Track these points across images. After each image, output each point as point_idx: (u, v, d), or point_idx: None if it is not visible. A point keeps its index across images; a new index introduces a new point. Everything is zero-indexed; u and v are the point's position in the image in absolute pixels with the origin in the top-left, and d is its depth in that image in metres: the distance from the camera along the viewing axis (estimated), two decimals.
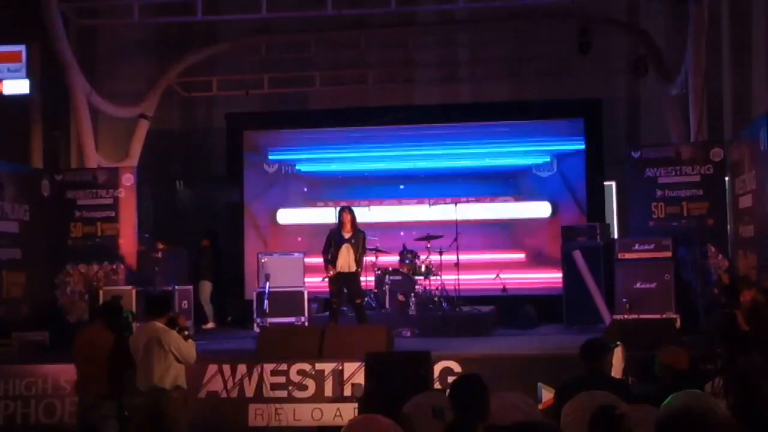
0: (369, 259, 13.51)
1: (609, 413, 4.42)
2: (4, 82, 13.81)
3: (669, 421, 3.06)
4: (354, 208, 12.32)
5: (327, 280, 11.99)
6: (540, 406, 8.25)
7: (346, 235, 11.76)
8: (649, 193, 12.90)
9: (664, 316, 11.40)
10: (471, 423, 4.82)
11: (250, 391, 10.21)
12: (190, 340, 7.72)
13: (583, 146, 15.44)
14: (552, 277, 14.74)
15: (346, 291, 11.87)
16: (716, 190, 12.71)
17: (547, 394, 9.13)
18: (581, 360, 6.71)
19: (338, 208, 12.50)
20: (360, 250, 11.83)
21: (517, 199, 15.66)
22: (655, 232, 12.60)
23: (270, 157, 16.33)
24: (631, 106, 15.94)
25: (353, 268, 11.75)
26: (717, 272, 12.17)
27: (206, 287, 14.84)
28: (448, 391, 5.31)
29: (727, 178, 12.72)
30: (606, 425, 4.37)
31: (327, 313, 13.86)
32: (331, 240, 11.83)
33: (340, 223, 11.87)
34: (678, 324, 11.14)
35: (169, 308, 8.00)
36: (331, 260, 11.74)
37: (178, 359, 7.57)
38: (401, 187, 15.82)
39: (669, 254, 12.13)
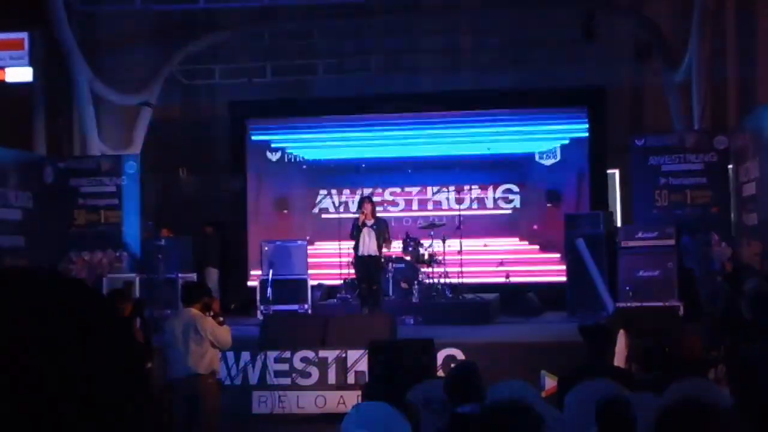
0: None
1: (617, 404, 4.44)
2: (7, 69, 13.81)
3: (671, 408, 3.06)
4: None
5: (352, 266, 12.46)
6: (543, 394, 8.28)
7: (367, 222, 12.13)
8: (652, 181, 12.88)
9: (667, 304, 11.40)
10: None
11: (254, 379, 10.24)
12: (225, 326, 7.84)
13: (586, 134, 15.41)
14: (555, 266, 14.74)
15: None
16: (720, 178, 12.69)
17: (550, 382, 9.17)
18: (584, 339, 6.71)
19: (358, 198, 12.89)
20: (382, 237, 12.17)
21: (520, 187, 15.64)
22: (659, 220, 12.58)
23: (273, 145, 16.32)
24: (634, 94, 15.90)
25: (374, 252, 12.08)
26: (720, 260, 12.16)
27: (213, 274, 14.82)
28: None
29: (730, 166, 12.70)
30: (614, 416, 4.40)
31: (330, 301, 13.93)
32: (354, 227, 12.25)
33: (361, 212, 12.22)
34: (681, 312, 11.15)
35: (204, 295, 8.06)
36: (354, 246, 12.22)
37: (214, 344, 7.66)
38: (409, 171, 15.80)
39: (672, 242, 12.12)
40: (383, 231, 12.22)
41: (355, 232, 12.23)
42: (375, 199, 15.61)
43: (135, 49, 16.18)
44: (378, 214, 12.52)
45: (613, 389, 5.57)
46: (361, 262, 12.13)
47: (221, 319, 7.94)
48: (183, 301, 8.13)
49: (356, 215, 12.63)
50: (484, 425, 3.30)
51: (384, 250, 12.40)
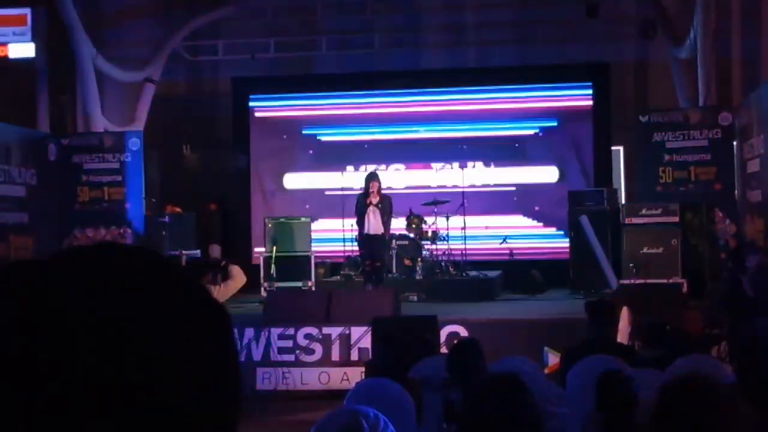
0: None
1: (615, 377, 4.44)
2: (10, 45, 13.78)
3: (674, 385, 3.06)
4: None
5: (357, 244, 12.36)
6: (546, 370, 8.30)
7: (373, 200, 11.97)
8: (656, 158, 12.85)
9: (670, 281, 11.41)
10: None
11: (257, 355, 10.27)
12: (232, 270, 7.93)
13: (590, 111, 15.36)
14: (559, 242, 14.74)
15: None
16: (724, 155, 12.66)
17: (553, 359, 9.18)
18: (589, 316, 6.73)
19: (366, 175, 12.68)
20: (386, 215, 12.05)
21: (524, 164, 15.61)
22: (663, 197, 12.56)
23: (276, 122, 16.29)
24: (639, 70, 15.83)
25: (380, 231, 11.98)
26: (724, 237, 12.14)
27: (216, 250, 14.83)
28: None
29: (735, 143, 12.66)
30: (612, 389, 4.39)
31: (333, 278, 13.95)
32: (359, 205, 12.11)
33: (367, 188, 12.03)
34: (685, 289, 11.16)
35: (206, 274, 8.06)
36: (358, 223, 12.10)
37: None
38: (412, 148, 15.76)
39: (676, 219, 12.10)
40: (387, 209, 12.14)
41: (360, 210, 12.12)
42: (379, 172, 15.64)
43: (138, 25, 16.11)
44: (382, 191, 12.40)
45: (616, 365, 5.58)
46: (366, 240, 12.06)
47: (224, 263, 8.05)
48: None
49: (360, 192, 12.49)
50: (473, 403, 3.31)
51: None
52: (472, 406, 3.29)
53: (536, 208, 15.48)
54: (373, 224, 11.97)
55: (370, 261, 12.08)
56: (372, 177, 12.30)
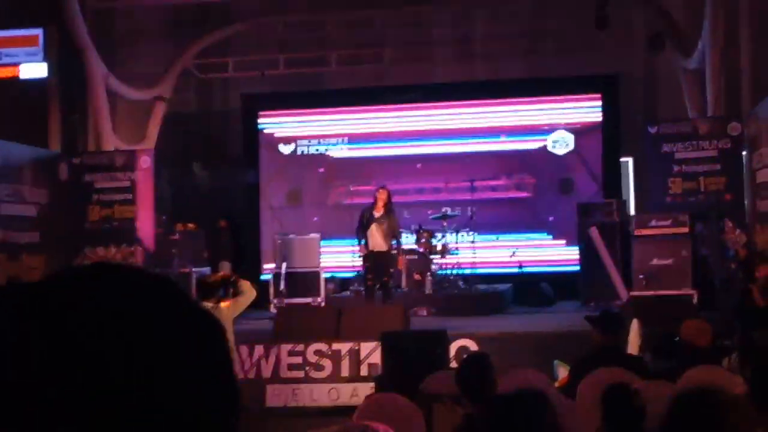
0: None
1: (621, 390, 4.42)
2: (22, 66, 13.87)
3: (685, 396, 3.06)
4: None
5: (360, 258, 12.11)
6: (556, 384, 8.27)
7: (377, 214, 11.80)
8: (665, 169, 12.83)
9: (681, 292, 11.36)
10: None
11: (267, 372, 10.27)
12: (241, 284, 7.98)
13: (599, 122, 15.36)
14: (568, 255, 14.71)
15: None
16: (734, 165, 12.62)
17: (563, 372, 9.14)
18: (596, 329, 6.70)
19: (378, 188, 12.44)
20: (390, 229, 11.82)
21: (533, 176, 15.61)
22: (672, 207, 12.53)
23: (285, 138, 16.33)
24: (648, 81, 15.83)
25: (384, 248, 11.79)
26: (734, 247, 12.10)
27: (226, 267, 14.88)
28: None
29: (744, 153, 12.63)
30: (618, 402, 4.38)
31: (343, 294, 13.93)
32: (363, 219, 11.89)
33: (374, 200, 11.90)
34: (695, 300, 11.11)
35: (216, 290, 8.09)
36: (363, 239, 11.84)
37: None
38: (422, 162, 15.76)
39: (686, 230, 12.05)
40: (393, 226, 11.89)
41: (361, 229, 11.82)
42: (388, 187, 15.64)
43: (148, 44, 16.22)
44: (392, 203, 12.09)
45: (625, 378, 5.56)
46: (371, 257, 11.83)
47: (233, 279, 8.10)
48: (198, 295, 8.17)
49: (364, 207, 12.24)
50: (494, 416, 3.30)
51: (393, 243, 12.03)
52: (495, 422, 3.28)
53: (545, 221, 15.46)
54: (378, 241, 11.76)
55: (371, 276, 11.94)
56: (381, 187, 12.11)
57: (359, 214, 12.12)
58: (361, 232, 11.88)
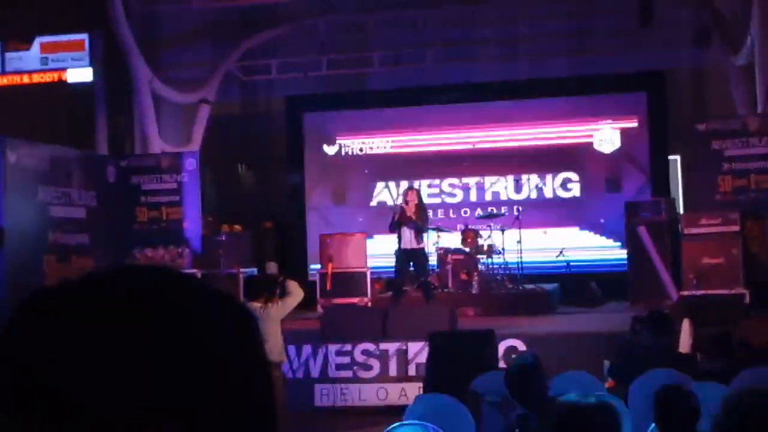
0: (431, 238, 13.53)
1: (675, 391, 4.36)
2: (69, 71, 14.06)
3: (739, 398, 3.00)
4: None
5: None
6: (606, 385, 8.19)
7: (408, 214, 11.72)
8: (715, 167, 12.65)
9: (732, 291, 11.20)
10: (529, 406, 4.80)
11: (315, 372, 10.30)
12: (289, 284, 8.06)
13: (646, 120, 15.21)
14: (616, 254, 14.57)
15: (412, 268, 11.90)
16: None
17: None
18: (645, 329, 6.63)
19: (404, 188, 12.46)
20: (421, 228, 11.78)
21: (579, 175, 15.49)
22: (722, 206, 12.35)
23: (329, 139, 16.37)
24: (695, 78, 15.63)
25: (416, 245, 11.73)
26: None
27: (273, 268, 14.92)
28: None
29: None
30: (673, 403, 4.31)
31: (390, 293, 13.91)
32: (395, 218, 11.83)
33: (405, 201, 11.87)
34: (747, 299, 10.95)
35: (266, 288, 8.15)
36: (397, 238, 11.81)
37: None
38: (467, 161, 15.70)
39: (737, 228, 11.89)
40: (423, 222, 11.79)
41: (395, 226, 11.72)
42: (432, 190, 15.62)
43: (193, 47, 16.34)
44: (424, 202, 12.03)
45: (678, 379, 5.49)
46: (404, 255, 11.74)
47: (281, 279, 8.23)
48: (246, 295, 8.24)
49: (395, 207, 12.16)
50: (561, 424, 3.25)
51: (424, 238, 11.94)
52: (556, 429, 3.24)
53: (593, 220, 15.33)
54: (410, 239, 11.65)
55: (401, 275, 11.89)
56: (409, 188, 12.08)
57: (391, 216, 12.00)
58: (394, 229, 11.81)
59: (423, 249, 11.90)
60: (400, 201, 12.50)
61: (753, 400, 3.08)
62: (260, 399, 0.86)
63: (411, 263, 11.84)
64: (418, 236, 11.75)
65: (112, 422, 0.76)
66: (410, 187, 12.15)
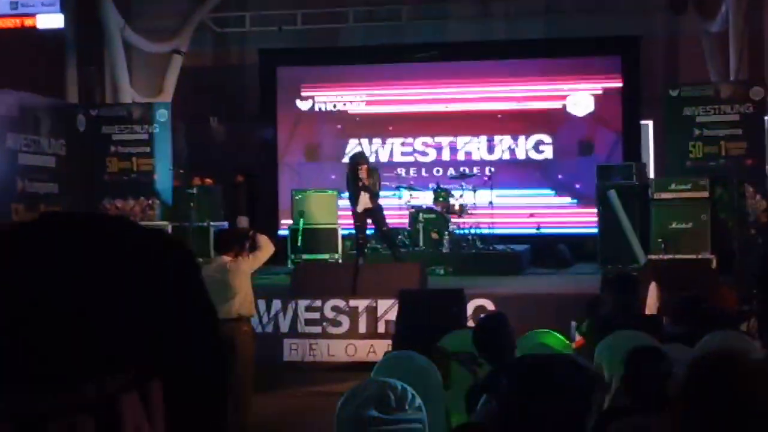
0: (401, 197, 13.56)
1: (649, 353, 4.39)
2: (39, 16, 13.80)
3: (702, 360, 3.05)
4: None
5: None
6: (573, 345, 8.28)
7: (362, 180, 11.67)
8: (686, 133, 12.72)
9: (699, 256, 11.32)
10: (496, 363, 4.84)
11: (284, 327, 10.33)
12: (259, 239, 8.04)
13: (620, 84, 15.24)
14: (587, 217, 14.66)
15: (372, 225, 11.96)
16: (755, 130, 12.52)
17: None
18: (611, 293, 6.69)
19: (351, 155, 12.39)
20: (376, 189, 11.81)
21: (551, 138, 15.52)
22: (692, 171, 12.45)
23: (303, 94, 16.27)
24: (669, 44, 15.67)
25: (371, 204, 11.76)
26: (754, 212, 12.04)
27: (243, 222, 14.88)
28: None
29: (766, 118, 12.52)
30: (644, 365, 4.34)
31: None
32: (349, 185, 11.85)
33: (356, 171, 11.77)
34: (714, 264, 11.07)
35: (236, 242, 8.12)
36: (352, 202, 11.83)
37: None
38: (439, 120, 15.67)
39: (706, 194, 11.99)
40: (376, 183, 11.81)
41: (352, 190, 11.76)
42: (405, 149, 15.61)
43: None
44: (371, 168, 12.01)
45: (646, 340, 5.55)
46: (362, 215, 11.79)
47: (251, 233, 8.24)
48: (216, 248, 8.22)
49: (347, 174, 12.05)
50: (521, 378, 3.27)
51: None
52: (522, 384, 3.26)
53: (563, 183, 15.40)
54: (365, 201, 11.65)
55: (362, 236, 11.92)
56: (360, 160, 11.99)
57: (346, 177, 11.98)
58: (351, 194, 11.83)
59: (376, 205, 11.88)
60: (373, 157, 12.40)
61: (716, 362, 3.13)
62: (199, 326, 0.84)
63: (369, 220, 11.86)
64: (373, 198, 11.77)
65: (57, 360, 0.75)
66: (358, 162, 11.93)
